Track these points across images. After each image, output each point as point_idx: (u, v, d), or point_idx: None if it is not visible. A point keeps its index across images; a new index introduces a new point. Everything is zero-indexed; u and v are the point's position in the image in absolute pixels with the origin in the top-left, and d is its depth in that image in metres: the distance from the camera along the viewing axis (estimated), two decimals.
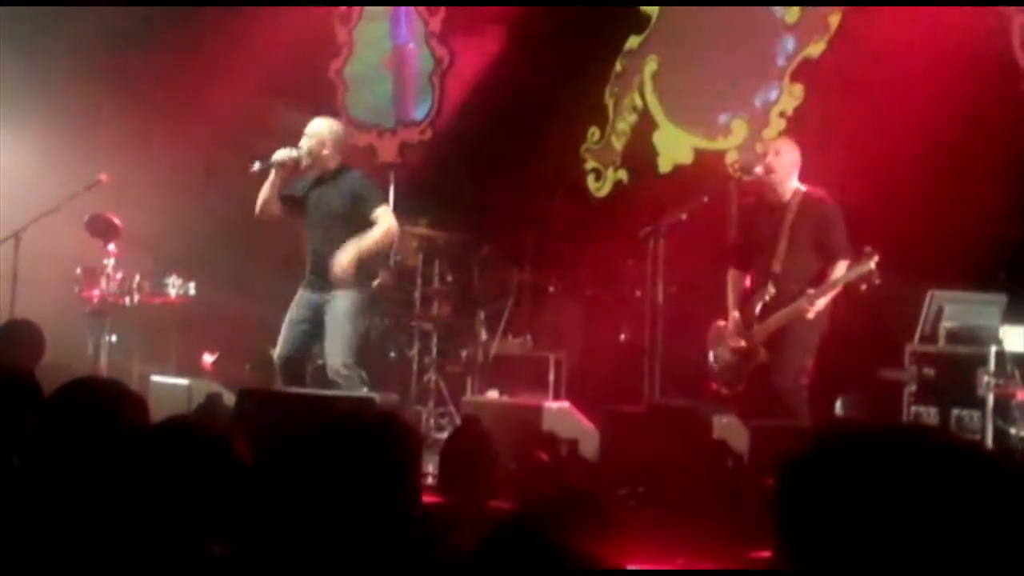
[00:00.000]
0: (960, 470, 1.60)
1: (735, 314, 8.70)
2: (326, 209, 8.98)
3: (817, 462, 1.67)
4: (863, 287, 8.13)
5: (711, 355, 8.83)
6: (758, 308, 8.50)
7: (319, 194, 9.03)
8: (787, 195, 8.52)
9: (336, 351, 8.84)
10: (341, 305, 8.83)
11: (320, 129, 9.06)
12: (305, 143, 8.96)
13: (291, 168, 8.97)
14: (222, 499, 3.25)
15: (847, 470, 1.63)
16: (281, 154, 8.92)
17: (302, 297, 9.05)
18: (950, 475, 1.59)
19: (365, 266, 8.95)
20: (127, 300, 10.45)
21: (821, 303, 8.27)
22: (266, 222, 9.27)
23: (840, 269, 8.26)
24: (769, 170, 8.53)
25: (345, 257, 8.75)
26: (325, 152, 9.00)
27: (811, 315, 8.25)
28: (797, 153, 8.58)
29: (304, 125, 9.19)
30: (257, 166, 8.88)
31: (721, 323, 8.81)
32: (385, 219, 8.93)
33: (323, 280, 8.89)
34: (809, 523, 1.63)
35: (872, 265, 8.05)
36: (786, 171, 8.54)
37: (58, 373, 4.57)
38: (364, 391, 8.64)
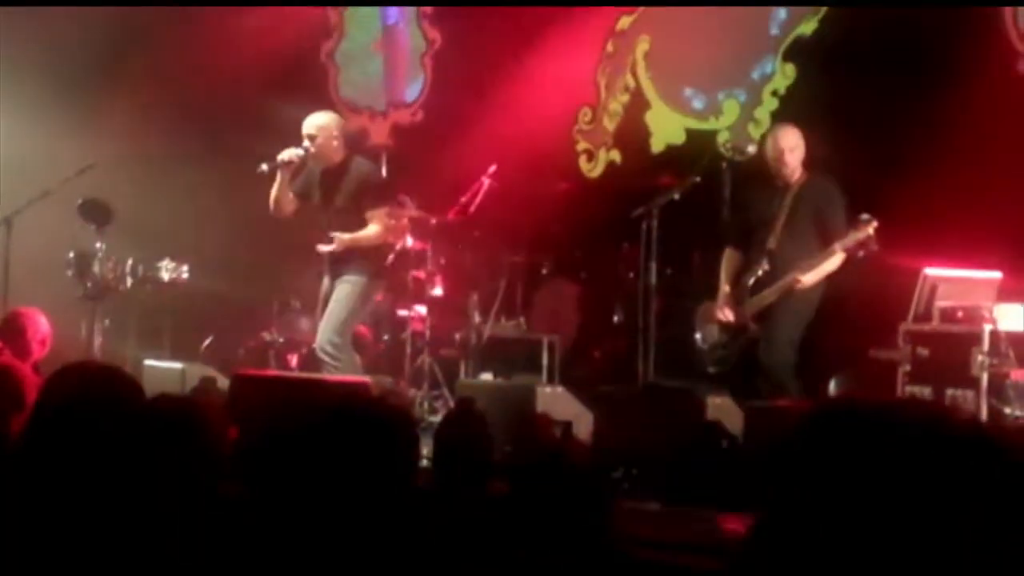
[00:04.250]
0: (959, 446, 1.59)
1: (726, 288, 8.72)
2: (333, 203, 9.24)
3: (815, 438, 1.66)
4: (860, 254, 8.14)
5: (698, 336, 8.84)
6: (750, 282, 8.50)
7: (326, 188, 9.28)
8: (793, 178, 8.54)
9: (325, 329, 9.13)
10: (343, 288, 9.11)
11: (326, 123, 9.29)
12: (311, 140, 9.11)
13: (299, 165, 9.12)
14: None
15: (846, 446, 1.62)
16: (287, 153, 9.14)
17: (323, 288, 9.37)
18: (949, 450, 1.58)
19: (371, 261, 9.24)
20: (120, 284, 10.41)
21: (816, 274, 8.28)
22: (281, 219, 9.53)
23: (837, 247, 8.27)
24: (787, 166, 8.50)
25: (339, 243, 9.01)
26: (334, 144, 9.19)
27: (806, 284, 8.25)
28: (803, 141, 8.58)
29: (299, 110, 9.41)
30: (264, 167, 9.09)
31: (710, 303, 8.82)
32: (376, 223, 9.19)
33: (336, 268, 9.20)
34: (806, 498, 1.62)
35: (870, 231, 8.06)
36: (800, 163, 8.56)
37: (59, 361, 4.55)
38: (348, 372, 8.81)
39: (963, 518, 1.54)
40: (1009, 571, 1.54)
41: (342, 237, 8.99)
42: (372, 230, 9.14)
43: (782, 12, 10.72)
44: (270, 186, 9.30)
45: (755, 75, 10.88)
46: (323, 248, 9.05)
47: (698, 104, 11.23)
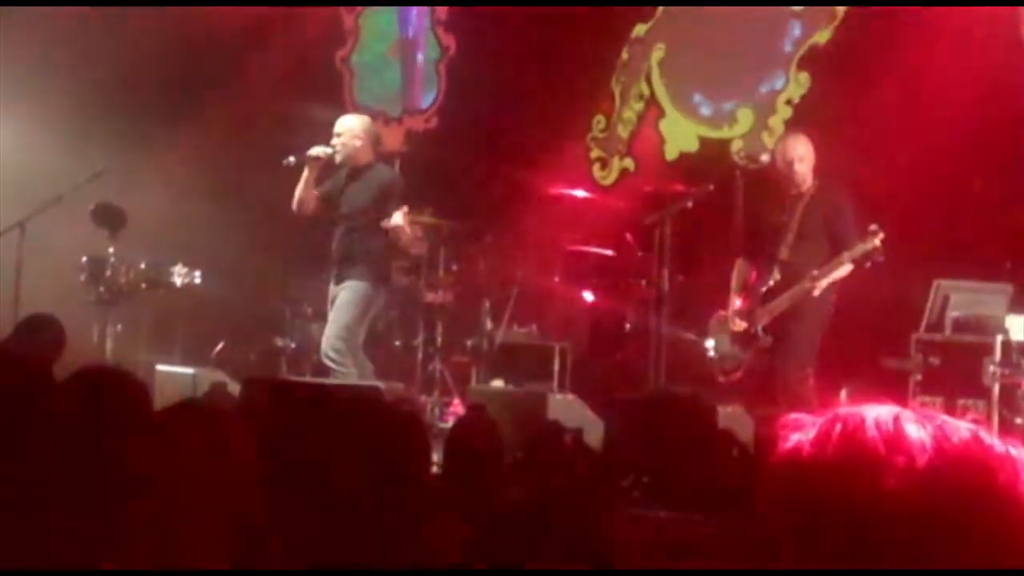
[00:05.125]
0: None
1: (736, 299, 8.72)
2: (352, 204, 9.25)
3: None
4: (867, 265, 8.14)
5: (710, 343, 8.83)
6: (762, 292, 8.50)
7: (348, 190, 9.31)
8: (804, 187, 8.52)
9: (328, 335, 9.16)
10: (345, 294, 9.08)
11: (352, 125, 9.36)
12: (338, 139, 9.15)
13: (324, 164, 9.17)
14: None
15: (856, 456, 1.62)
16: (315, 150, 9.17)
17: (330, 292, 9.36)
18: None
19: (377, 266, 9.13)
20: (132, 289, 10.43)
21: (826, 282, 8.27)
22: (302, 217, 9.53)
23: (845, 257, 8.26)
24: (796, 175, 8.47)
25: (398, 220, 8.92)
26: (358, 145, 9.21)
27: (816, 292, 8.24)
28: (812, 150, 8.55)
29: (313, 116, 9.44)
30: (292, 160, 9.15)
31: (722, 312, 8.81)
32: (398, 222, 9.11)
33: (341, 271, 9.21)
34: (819, 510, 1.62)
35: (877, 242, 8.05)
36: (810, 172, 8.53)
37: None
38: (355, 378, 8.83)
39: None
40: None
41: (399, 220, 8.94)
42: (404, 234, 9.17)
43: (796, 28, 10.72)
44: (288, 187, 9.32)
45: (763, 89, 10.90)
46: (387, 223, 8.99)
47: (705, 111, 11.24)
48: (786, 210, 8.53)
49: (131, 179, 11.14)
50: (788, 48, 10.77)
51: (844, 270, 8.27)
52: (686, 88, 11.46)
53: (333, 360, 9.03)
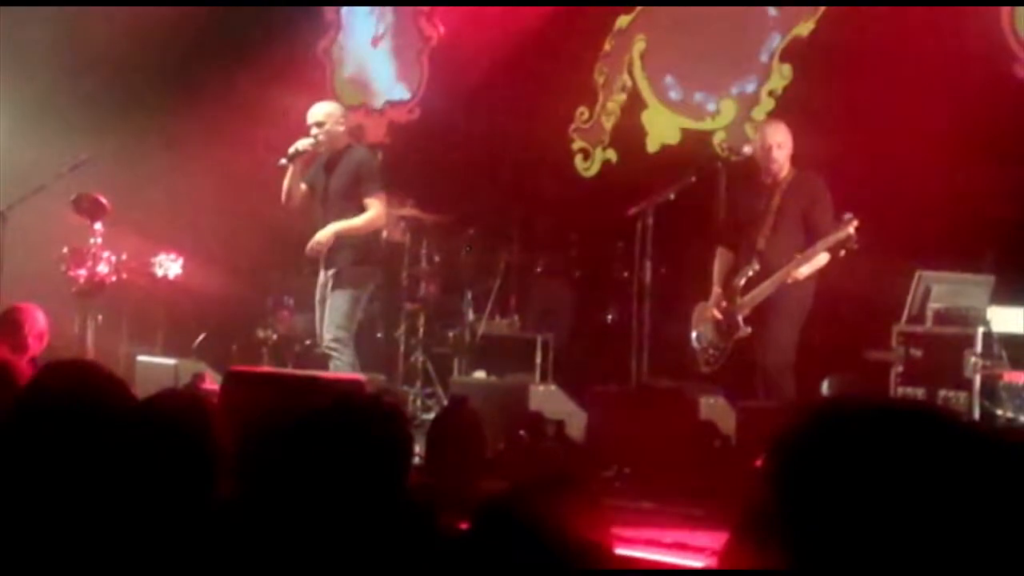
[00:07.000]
0: (959, 447, 1.59)
1: (717, 289, 8.74)
2: (331, 189, 9.29)
3: (813, 439, 1.66)
4: (842, 253, 8.16)
5: (694, 334, 8.84)
6: (741, 282, 8.51)
7: (327, 176, 9.33)
8: (780, 176, 8.54)
9: (329, 325, 9.17)
10: (336, 282, 9.03)
11: (332, 111, 9.46)
12: (319, 127, 9.18)
13: (311, 156, 9.25)
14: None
15: (844, 447, 1.62)
16: (301, 144, 9.24)
17: (319, 280, 9.35)
18: (949, 452, 1.58)
19: (361, 247, 9.08)
20: (114, 280, 10.39)
21: (804, 270, 8.29)
22: (291, 210, 9.49)
23: (820, 245, 8.29)
24: (774, 162, 8.49)
25: (322, 234, 9.10)
26: (341, 130, 9.37)
27: (792, 278, 8.26)
28: (791, 138, 8.57)
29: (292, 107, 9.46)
30: (284, 161, 9.23)
31: (704, 303, 8.82)
32: (374, 208, 9.14)
33: (329, 256, 9.19)
34: (805, 501, 1.62)
35: (851, 230, 8.08)
36: (787, 160, 8.55)
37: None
38: (349, 370, 8.81)
39: (960, 514, 1.54)
40: (1006, 567, 1.54)
41: (319, 239, 9.09)
42: (366, 216, 9.15)
43: (775, 39, 10.72)
44: (272, 178, 9.33)
45: (734, 91, 10.91)
46: (309, 249, 9.12)
47: (694, 104, 11.23)
48: (763, 200, 8.55)
49: (113, 169, 11.09)
50: (770, 41, 10.76)
51: (821, 259, 8.29)
52: (667, 80, 11.45)
53: (333, 349, 9.06)
